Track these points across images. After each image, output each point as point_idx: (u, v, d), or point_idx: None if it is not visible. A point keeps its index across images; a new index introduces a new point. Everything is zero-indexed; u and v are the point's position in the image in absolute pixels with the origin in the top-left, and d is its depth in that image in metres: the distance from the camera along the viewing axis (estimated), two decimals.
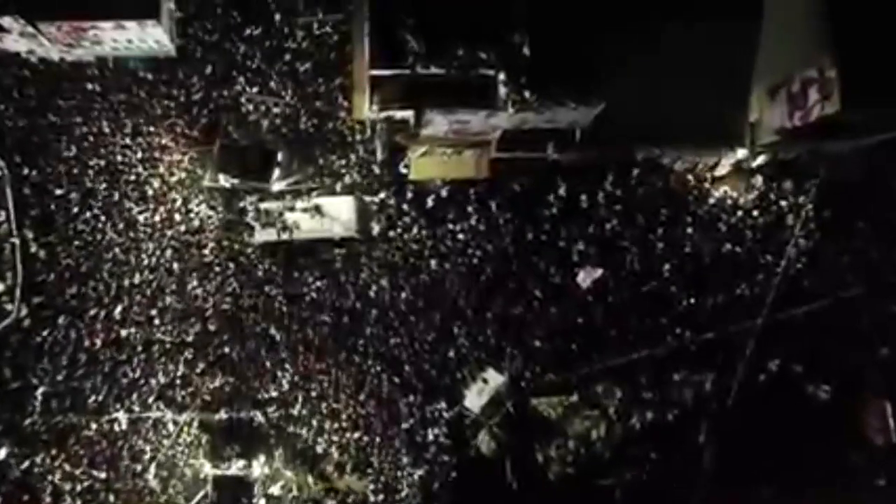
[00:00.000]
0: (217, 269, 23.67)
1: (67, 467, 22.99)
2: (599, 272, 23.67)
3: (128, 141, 23.48)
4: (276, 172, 22.99)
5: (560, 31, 20.67)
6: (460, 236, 24.08)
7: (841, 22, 19.53)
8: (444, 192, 23.99)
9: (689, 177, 24.40)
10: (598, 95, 21.09)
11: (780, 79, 21.93)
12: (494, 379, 23.41)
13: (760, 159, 23.92)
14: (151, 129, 23.49)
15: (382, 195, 23.77)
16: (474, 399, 23.34)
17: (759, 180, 24.43)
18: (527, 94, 20.63)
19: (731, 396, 23.52)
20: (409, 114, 21.74)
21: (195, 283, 23.53)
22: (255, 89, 23.52)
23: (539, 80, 20.58)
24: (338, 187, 23.68)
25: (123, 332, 23.30)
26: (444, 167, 23.62)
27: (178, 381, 23.42)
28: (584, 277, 23.74)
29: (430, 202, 23.98)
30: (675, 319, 24.32)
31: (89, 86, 23.41)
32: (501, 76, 20.80)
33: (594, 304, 24.16)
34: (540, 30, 20.58)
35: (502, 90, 20.85)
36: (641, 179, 24.21)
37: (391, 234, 23.93)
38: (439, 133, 22.38)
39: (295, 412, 23.69)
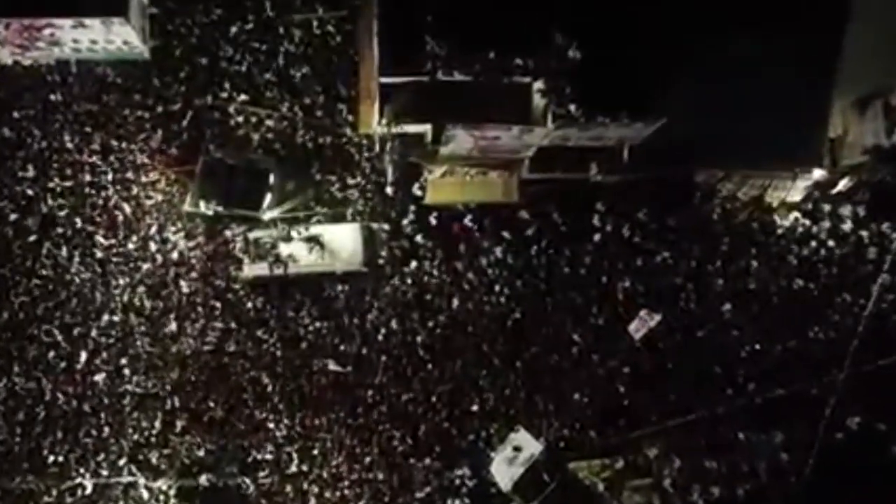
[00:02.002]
0: (199, 308, 21.63)
1: None
2: (657, 319, 20.68)
3: (94, 159, 21.57)
4: (268, 197, 20.87)
5: (612, 33, 18.17)
6: (486, 271, 21.78)
7: None
8: (466, 220, 21.69)
9: (756, 202, 21.89)
10: (656, 108, 18.38)
11: (874, 89, 19.82)
12: (528, 445, 20.55)
13: (842, 183, 21.30)
14: (122, 145, 21.58)
15: (393, 223, 21.70)
16: (503, 469, 20.51)
17: (837, 206, 21.90)
18: (572, 106, 18.20)
19: (809, 464, 20.68)
20: (426, 128, 19.70)
21: (173, 325, 21.54)
22: (243, 98, 21.52)
23: (587, 90, 18.06)
24: (343, 214, 21.72)
25: (89, 383, 21.35)
26: (466, 190, 21.49)
27: (152, 441, 21.38)
28: (638, 327, 20.76)
29: (449, 231, 21.72)
30: (738, 370, 21.70)
31: (49, 94, 21.49)
32: (539, 84, 18.48)
33: (642, 350, 21.57)
34: (588, 31, 18.08)
35: (540, 101, 18.56)
36: (699, 205, 21.77)
37: (403, 268, 21.73)
38: (462, 151, 20.10)
39: (290, 477, 21.45)
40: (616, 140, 19.89)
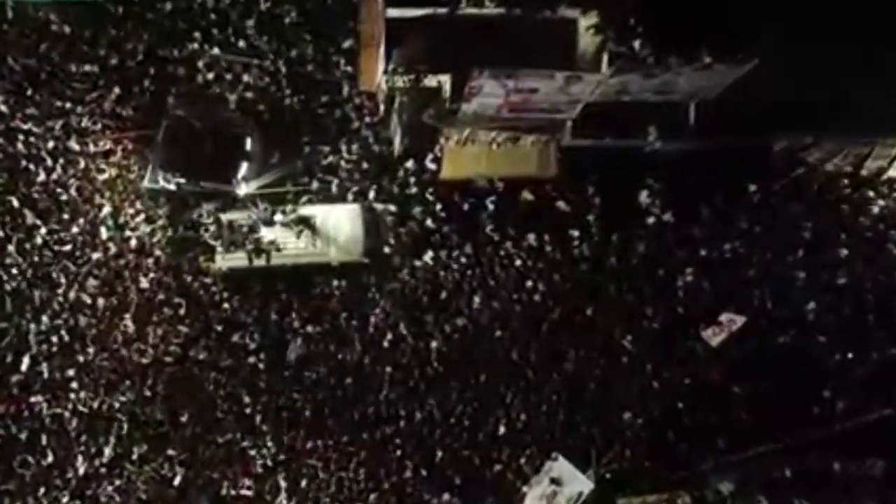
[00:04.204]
0: (161, 308, 19.50)
1: None
2: (740, 323, 17.55)
3: (32, 126, 19.42)
4: (244, 167, 18.42)
5: None
6: (515, 262, 19.36)
7: None
8: (491, 199, 19.24)
9: (847, 178, 19.28)
10: (745, 50, 15.29)
11: None
12: (569, 477, 17.89)
13: None
14: (67, 106, 19.39)
15: (401, 203, 19.46)
16: None
17: None
18: (636, 44, 15.33)
19: None
20: (444, 79, 17.10)
21: (130, 328, 19.35)
22: (216, 50, 19.26)
23: (656, 24, 15.18)
24: (341, 191, 19.46)
25: (29, 400, 19.36)
26: (491, 162, 18.94)
27: (103, 471, 19.30)
28: (717, 332, 17.65)
29: (471, 213, 19.28)
30: (827, 383, 19.05)
31: None
32: (590, 19, 15.61)
33: (709, 360, 18.97)
34: None
35: (592, 41, 15.71)
36: (779, 181, 19.12)
37: (414, 259, 19.48)
38: (489, 110, 17.29)
39: None
40: (685, 94, 16.82)
